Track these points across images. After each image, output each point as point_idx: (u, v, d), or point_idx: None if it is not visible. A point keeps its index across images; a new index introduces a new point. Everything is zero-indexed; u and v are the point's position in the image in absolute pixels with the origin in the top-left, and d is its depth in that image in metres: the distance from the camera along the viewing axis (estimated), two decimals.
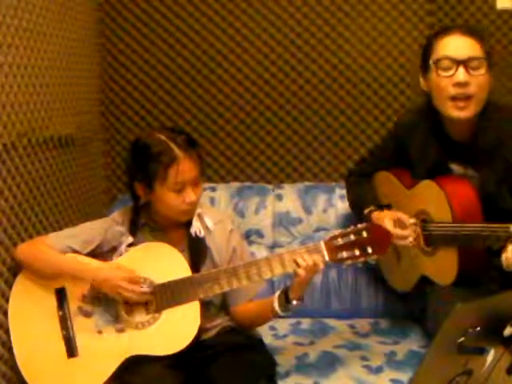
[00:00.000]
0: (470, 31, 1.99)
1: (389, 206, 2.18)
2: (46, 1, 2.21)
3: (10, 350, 1.86)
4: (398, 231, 2.03)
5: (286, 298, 1.83)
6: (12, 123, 1.94)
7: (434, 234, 2.03)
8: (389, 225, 2.04)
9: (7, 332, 1.86)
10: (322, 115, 2.83)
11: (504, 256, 1.78)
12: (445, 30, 2.02)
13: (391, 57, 2.78)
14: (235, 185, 2.74)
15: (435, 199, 2.00)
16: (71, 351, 1.84)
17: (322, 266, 1.78)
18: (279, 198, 2.65)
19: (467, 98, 1.94)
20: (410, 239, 2.04)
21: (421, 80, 2.07)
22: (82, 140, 2.55)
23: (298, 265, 1.78)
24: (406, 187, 2.17)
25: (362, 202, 2.21)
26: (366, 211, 2.15)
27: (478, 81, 1.93)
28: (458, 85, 1.93)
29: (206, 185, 2.63)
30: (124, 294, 1.81)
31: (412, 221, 2.05)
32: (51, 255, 1.88)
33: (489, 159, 1.99)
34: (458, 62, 1.93)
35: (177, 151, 1.81)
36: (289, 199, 2.64)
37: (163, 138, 1.84)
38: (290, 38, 2.78)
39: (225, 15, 2.79)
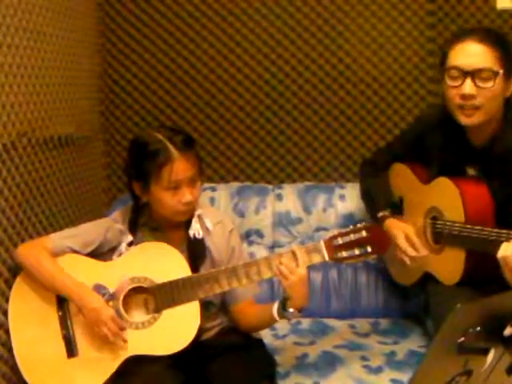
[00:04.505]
0: (487, 38, 1.89)
1: (400, 201, 2.19)
2: (46, 1, 2.21)
3: (9, 350, 1.86)
4: (408, 249, 2.03)
5: (283, 306, 1.82)
6: (12, 123, 1.94)
7: (443, 232, 2.01)
8: (400, 239, 2.04)
9: (7, 332, 1.86)
10: (321, 115, 2.83)
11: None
12: (461, 35, 1.95)
13: (391, 57, 2.78)
14: (235, 185, 2.73)
15: (449, 197, 1.98)
16: (71, 351, 1.83)
17: (299, 271, 1.76)
18: (279, 197, 2.64)
19: (475, 108, 1.89)
20: (415, 264, 2.04)
21: (443, 83, 2.00)
22: (81, 140, 2.55)
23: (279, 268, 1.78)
24: (421, 182, 2.15)
25: (375, 201, 2.21)
26: (379, 215, 2.14)
27: (485, 93, 1.87)
28: (464, 96, 1.88)
29: (206, 185, 2.64)
30: (103, 332, 1.77)
31: (425, 253, 2.03)
32: (46, 269, 1.84)
33: (502, 166, 1.95)
34: (466, 74, 1.87)
35: (172, 150, 1.80)
36: (289, 199, 2.64)
37: (160, 136, 1.83)
38: (290, 38, 2.78)
39: (225, 15, 2.79)
